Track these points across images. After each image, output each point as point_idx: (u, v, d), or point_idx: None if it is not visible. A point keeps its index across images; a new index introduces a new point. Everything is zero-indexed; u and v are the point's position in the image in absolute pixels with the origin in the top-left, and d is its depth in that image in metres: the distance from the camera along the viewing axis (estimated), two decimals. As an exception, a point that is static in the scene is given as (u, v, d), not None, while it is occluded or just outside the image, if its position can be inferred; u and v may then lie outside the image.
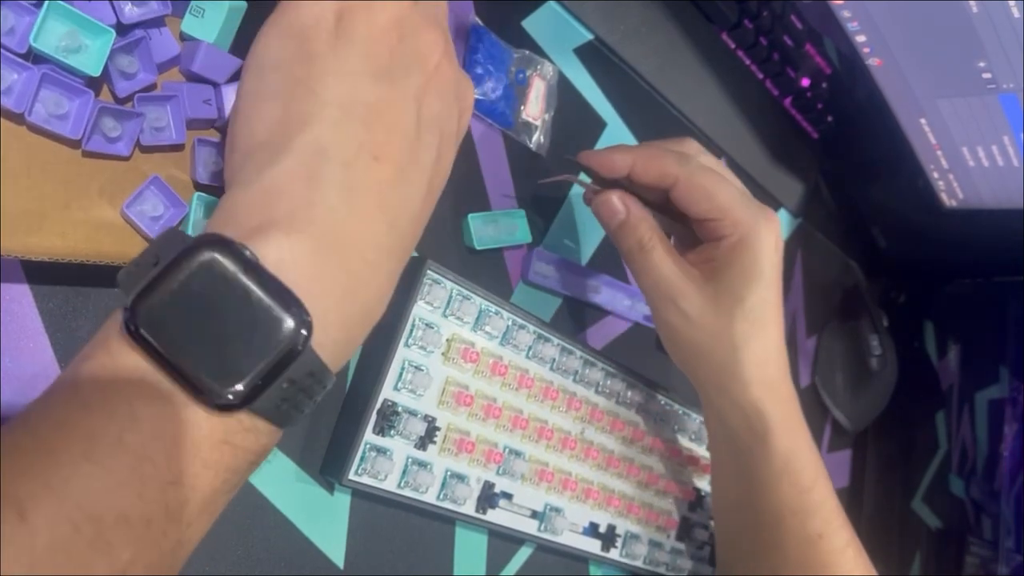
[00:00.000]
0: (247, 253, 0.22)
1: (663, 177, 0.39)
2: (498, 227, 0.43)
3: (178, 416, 0.21)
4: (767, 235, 0.39)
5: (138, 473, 0.20)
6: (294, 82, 0.26)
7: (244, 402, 0.21)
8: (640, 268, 0.40)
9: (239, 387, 0.21)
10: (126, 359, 0.21)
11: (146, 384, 0.21)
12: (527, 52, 0.46)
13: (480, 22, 0.43)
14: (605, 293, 0.49)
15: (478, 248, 0.42)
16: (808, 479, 0.42)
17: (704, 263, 0.40)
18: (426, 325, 0.38)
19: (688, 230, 0.41)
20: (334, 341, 0.24)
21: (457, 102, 0.29)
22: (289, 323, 0.22)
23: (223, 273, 0.21)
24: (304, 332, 0.22)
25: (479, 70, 0.42)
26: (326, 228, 0.24)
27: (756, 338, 0.40)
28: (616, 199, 0.40)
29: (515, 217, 0.44)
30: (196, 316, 0.21)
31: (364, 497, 0.38)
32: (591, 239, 0.50)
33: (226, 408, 0.21)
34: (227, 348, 0.21)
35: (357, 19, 0.27)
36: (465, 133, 0.31)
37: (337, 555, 0.37)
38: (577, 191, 0.48)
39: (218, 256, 0.21)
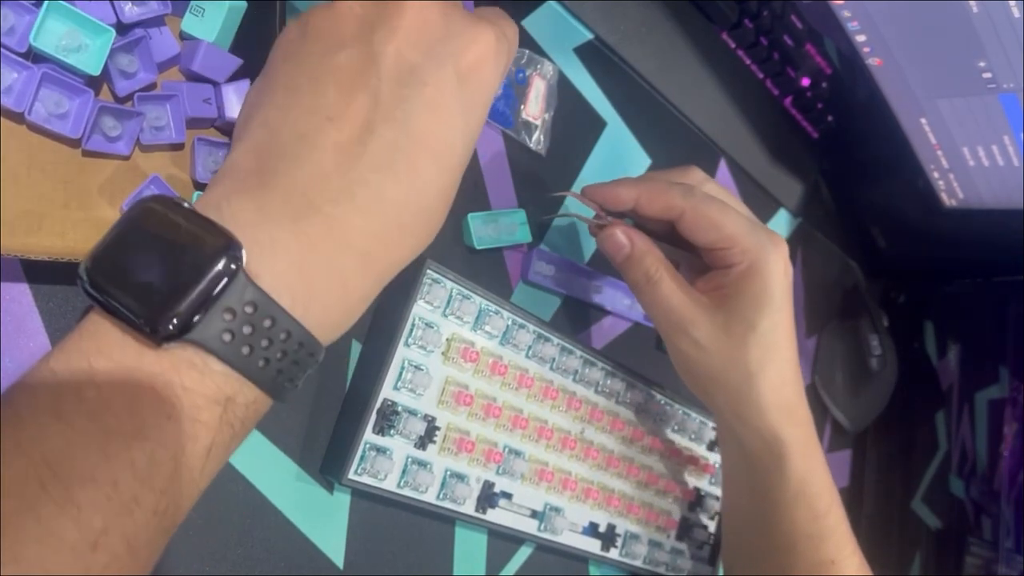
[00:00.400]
0: (183, 204, 0.23)
1: (669, 210, 0.39)
2: (498, 227, 0.43)
3: (131, 363, 0.21)
4: (776, 261, 0.39)
5: (100, 427, 0.20)
6: (258, 89, 0.27)
7: (182, 329, 0.21)
8: (649, 300, 0.40)
9: (174, 315, 0.21)
10: (91, 323, 0.22)
11: (104, 339, 0.22)
12: (527, 51, 0.46)
13: None
14: (605, 293, 0.49)
15: (478, 248, 0.42)
16: (824, 504, 0.42)
17: (714, 290, 0.40)
18: (426, 324, 0.38)
19: (697, 258, 0.42)
20: (290, 291, 0.23)
21: (446, 46, 0.27)
22: (215, 249, 0.22)
23: (158, 216, 0.22)
24: (230, 257, 0.22)
25: (479, 70, 0.42)
26: (272, 189, 0.24)
27: (770, 363, 0.40)
28: (620, 233, 0.40)
29: (515, 217, 0.44)
30: (135, 259, 0.22)
31: (364, 497, 0.38)
32: (591, 239, 0.50)
33: (168, 338, 0.21)
34: (162, 282, 0.22)
35: (313, 13, 0.27)
36: (489, 80, 0.28)
37: (337, 555, 0.37)
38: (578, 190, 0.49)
39: (154, 205, 0.23)
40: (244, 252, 0.22)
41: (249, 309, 0.22)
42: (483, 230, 0.43)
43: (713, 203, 0.39)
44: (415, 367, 0.38)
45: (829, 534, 0.42)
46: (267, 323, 0.23)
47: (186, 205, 0.23)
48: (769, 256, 0.39)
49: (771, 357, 0.40)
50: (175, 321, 0.21)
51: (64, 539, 0.19)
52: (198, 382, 0.22)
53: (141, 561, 0.21)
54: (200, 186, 0.32)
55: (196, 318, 0.22)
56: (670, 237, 0.41)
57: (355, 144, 0.25)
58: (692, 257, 0.42)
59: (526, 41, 0.47)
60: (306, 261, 0.24)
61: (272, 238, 0.23)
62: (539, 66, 0.46)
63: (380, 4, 0.27)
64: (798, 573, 0.42)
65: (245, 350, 0.22)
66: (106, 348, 0.21)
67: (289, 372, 0.24)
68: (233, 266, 0.22)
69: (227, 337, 0.22)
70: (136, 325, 0.21)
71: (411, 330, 0.38)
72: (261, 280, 0.23)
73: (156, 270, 0.22)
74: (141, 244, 0.22)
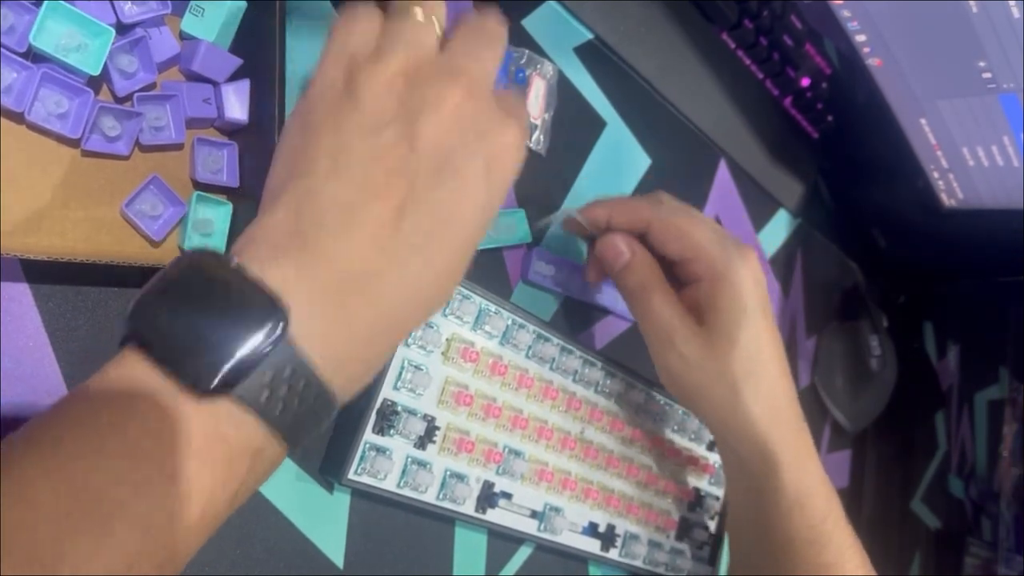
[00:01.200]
0: (232, 262, 0.24)
1: (638, 220, 0.41)
2: (498, 227, 0.43)
3: (172, 410, 0.22)
4: (743, 271, 0.40)
5: (139, 468, 0.21)
6: (295, 149, 0.28)
7: (226, 386, 0.22)
8: (641, 311, 0.42)
9: (221, 371, 0.22)
10: (131, 364, 0.23)
11: (147, 383, 0.22)
12: (527, 51, 0.46)
13: None
14: (605, 293, 0.49)
15: (478, 248, 0.42)
16: (820, 511, 0.43)
17: (693, 309, 0.41)
18: (426, 324, 0.38)
19: (672, 279, 0.42)
20: (321, 354, 0.24)
21: (479, 139, 0.28)
22: (264, 312, 0.23)
23: (208, 273, 0.23)
24: (278, 322, 0.23)
25: (479, 70, 0.42)
26: (313, 255, 0.25)
27: (755, 374, 0.40)
28: (620, 241, 0.41)
29: (515, 217, 0.44)
30: (184, 311, 0.23)
31: (364, 497, 0.38)
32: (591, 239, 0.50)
33: (210, 393, 0.22)
34: (210, 337, 0.23)
35: (361, 78, 0.28)
36: (512, 168, 0.30)
37: (336, 555, 0.37)
38: (577, 191, 0.49)
39: (204, 260, 0.24)
40: (290, 317, 0.23)
41: (288, 372, 0.23)
42: None
43: (680, 213, 0.41)
44: (415, 367, 0.38)
45: (828, 539, 0.43)
46: (301, 384, 0.24)
47: (234, 263, 0.24)
48: (737, 267, 0.40)
49: (755, 369, 0.40)
50: (220, 378, 0.22)
51: (100, 562, 0.20)
52: (234, 435, 0.23)
53: None
54: (200, 186, 0.32)
55: (239, 378, 0.22)
56: None
57: (391, 224, 0.26)
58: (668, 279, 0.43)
59: (526, 41, 0.47)
60: (340, 328, 0.25)
61: (310, 303, 0.24)
62: (539, 66, 0.46)
63: (423, 87, 0.28)
64: (800, 574, 0.43)
65: (279, 407, 0.23)
66: (149, 392, 0.22)
67: (309, 428, 0.25)
68: (279, 331, 0.23)
69: (264, 394, 0.23)
70: (181, 377, 0.22)
71: (411, 330, 0.38)
72: (299, 343, 0.24)
73: (204, 325, 0.23)
74: (189, 296, 0.23)
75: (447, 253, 0.28)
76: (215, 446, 0.23)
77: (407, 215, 0.26)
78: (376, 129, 0.27)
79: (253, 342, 0.23)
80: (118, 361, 0.23)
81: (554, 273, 0.46)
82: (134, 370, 0.22)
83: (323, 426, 0.25)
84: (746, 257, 0.40)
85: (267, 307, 0.23)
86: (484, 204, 0.29)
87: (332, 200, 0.26)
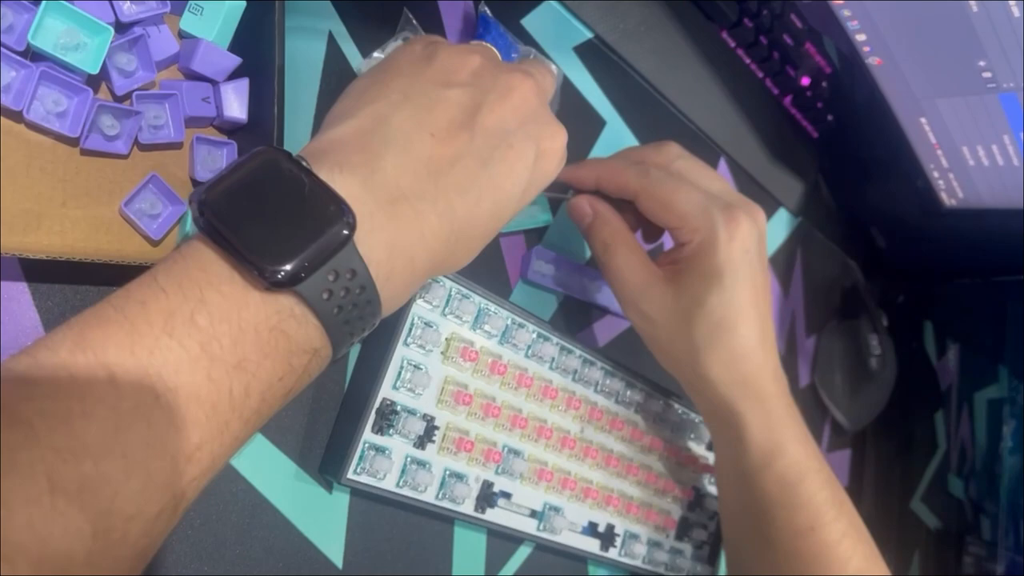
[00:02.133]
0: (304, 163, 0.25)
1: (623, 191, 0.41)
2: (521, 211, 0.44)
3: (239, 299, 0.23)
4: (727, 238, 0.39)
5: (208, 352, 0.22)
6: (367, 87, 0.30)
7: (292, 280, 0.23)
8: (605, 270, 0.42)
9: (288, 266, 0.23)
10: (198, 252, 0.23)
11: (213, 271, 0.23)
12: (533, 51, 0.45)
13: (489, 12, 0.43)
14: (605, 292, 0.49)
15: (503, 231, 0.43)
16: (794, 474, 0.42)
17: (671, 265, 0.41)
18: (425, 324, 0.38)
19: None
20: (375, 261, 0.25)
21: (536, 132, 0.31)
22: (334, 215, 0.24)
23: (283, 171, 0.24)
24: (347, 225, 0.24)
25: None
26: (376, 171, 0.26)
27: (719, 339, 0.40)
28: (585, 202, 0.42)
29: (537, 200, 0.44)
30: (256, 205, 0.24)
31: (363, 496, 0.38)
32: (590, 238, 0.50)
33: (277, 285, 0.23)
34: (280, 232, 0.23)
35: (442, 51, 0.31)
36: (554, 169, 0.33)
37: (336, 554, 0.37)
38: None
39: (280, 158, 0.25)
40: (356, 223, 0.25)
41: (349, 275, 0.24)
42: None
43: (666, 183, 0.40)
44: (414, 366, 0.38)
45: (804, 503, 0.42)
46: (358, 291, 0.25)
47: (304, 164, 0.25)
48: (719, 233, 0.39)
49: (720, 334, 0.40)
50: (287, 271, 0.23)
51: (167, 447, 0.21)
52: (296, 331, 0.24)
53: (213, 477, 0.23)
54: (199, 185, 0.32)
55: (306, 273, 0.23)
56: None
57: (446, 162, 0.28)
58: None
59: (525, 41, 0.46)
60: (394, 242, 0.26)
61: (371, 213, 0.25)
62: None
63: (498, 74, 0.31)
64: (776, 540, 0.42)
65: (335, 310, 0.25)
66: (215, 280, 0.23)
67: (355, 336, 0.26)
68: (346, 232, 0.24)
69: (325, 295, 0.24)
70: (249, 267, 0.23)
71: (410, 329, 0.38)
72: (360, 249, 0.25)
73: (276, 220, 0.24)
74: (264, 191, 0.24)
75: (484, 209, 0.29)
76: (278, 340, 0.23)
77: (462, 161, 0.28)
78: (448, 84, 0.30)
79: (321, 242, 0.24)
80: (184, 250, 0.24)
81: (553, 272, 0.46)
82: (203, 260, 0.23)
83: (365, 334, 0.27)
84: (732, 223, 0.39)
85: (338, 210, 0.24)
86: (524, 186, 0.31)
87: (399, 126, 0.28)
